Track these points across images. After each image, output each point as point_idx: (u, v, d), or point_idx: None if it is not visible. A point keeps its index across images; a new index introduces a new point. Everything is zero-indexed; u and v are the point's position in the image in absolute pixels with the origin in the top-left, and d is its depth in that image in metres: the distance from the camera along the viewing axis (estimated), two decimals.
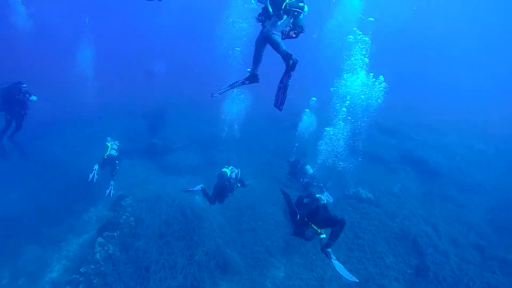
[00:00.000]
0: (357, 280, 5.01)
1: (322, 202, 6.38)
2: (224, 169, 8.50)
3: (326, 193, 7.66)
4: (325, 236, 5.31)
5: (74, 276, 7.13)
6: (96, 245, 8.00)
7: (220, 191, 8.05)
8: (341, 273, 5.07)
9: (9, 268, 8.39)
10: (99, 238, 8.27)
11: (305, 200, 6.15)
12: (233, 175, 8.48)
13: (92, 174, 10.05)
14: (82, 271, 7.22)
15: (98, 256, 7.70)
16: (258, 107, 21.55)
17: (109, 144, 10.79)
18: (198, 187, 8.55)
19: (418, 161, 13.50)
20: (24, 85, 8.99)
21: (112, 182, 10.38)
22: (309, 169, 9.67)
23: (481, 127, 21.75)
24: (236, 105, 15.78)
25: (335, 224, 5.05)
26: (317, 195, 6.76)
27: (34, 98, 9.10)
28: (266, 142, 15.80)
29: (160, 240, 8.68)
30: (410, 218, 9.65)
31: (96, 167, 10.26)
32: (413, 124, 19.32)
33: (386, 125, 18.07)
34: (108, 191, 10.26)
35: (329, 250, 5.13)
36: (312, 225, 5.23)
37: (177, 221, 9.33)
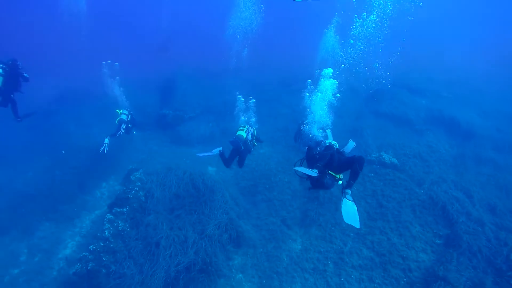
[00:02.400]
0: (358, 227, 4.43)
1: (335, 147, 5.86)
2: (239, 132, 8.21)
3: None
4: (341, 183, 4.95)
5: (83, 254, 6.97)
6: (105, 222, 7.79)
7: (236, 153, 8.07)
8: (344, 215, 4.50)
9: (27, 245, 8.45)
10: (108, 214, 8.05)
11: (317, 151, 5.57)
12: (249, 136, 8.27)
13: (103, 147, 9.90)
14: (91, 249, 7.05)
15: (107, 233, 7.50)
16: (269, 73, 20.59)
17: (119, 111, 10.84)
18: (216, 150, 8.29)
19: (449, 121, 12.19)
20: (19, 62, 8.60)
21: (106, 140, 10.04)
22: (314, 131, 8.87)
23: None
24: None
25: (353, 163, 4.61)
26: (327, 141, 6.15)
27: (26, 75, 8.72)
28: (280, 107, 14.93)
29: (170, 215, 8.41)
30: (439, 183, 8.77)
31: (106, 140, 10.08)
32: (444, 80, 17.50)
33: (414, 83, 16.55)
34: (102, 148, 9.91)
35: (348, 190, 4.65)
36: (330, 171, 4.87)
37: (188, 194, 9.00)
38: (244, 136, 8.24)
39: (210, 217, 8.14)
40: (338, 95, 9.09)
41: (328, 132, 8.07)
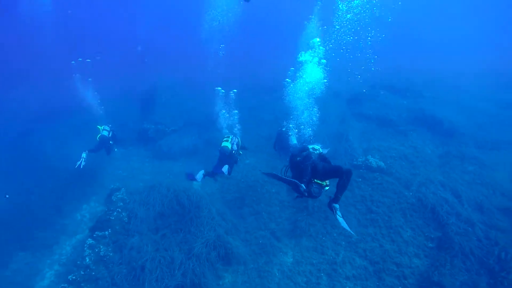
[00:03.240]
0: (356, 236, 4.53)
1: (316, 152, 5.83)
2: (224, 143, 8.06)
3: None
4: (328, 189, 4.94)
5: (62, 285, 6.53)
6: (85, 248, 7.37)
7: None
8: (344, 226, 4.68)
9: None
10: (89, 239, 7.64)
11: (298, 159, 5.44)
12: (235, 147, 8.18)
13: (80, 162, 9.75)
14: (71, 279, 6.62)
15: (87, 260, 7.09)
16: (251, 80, 20.41)
17: (100, 127, 10.62)
18: (200, 174, 8.08)
19: (431, 120, 12.22)
20: None
21: (83, 154, 9.95)
22: (293, 140, 8.74)
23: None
24: None
25: (341, 175, 4.49)
26: (309, 146, 6.05)
27: None
28: (264, 114, 14.72)
29: (155, 235, 8.07)
30: (427, 185, 8.71)
31: (84, 155, 9.94)
32: (425, 81, 17.69)
33: (395, 84, 16.67)
34: (78, 162, 9.78)
35: (337, 205, 4.55)
36: (315, 180, 4.80)
37: (173, 211, 8.69)
38: (229, 147, 8.11)
39: (197, 235, 7.84)
40: (324, 61, 8.79)
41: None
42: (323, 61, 8.59)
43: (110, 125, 10.96)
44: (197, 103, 16.45)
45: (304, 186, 4.63)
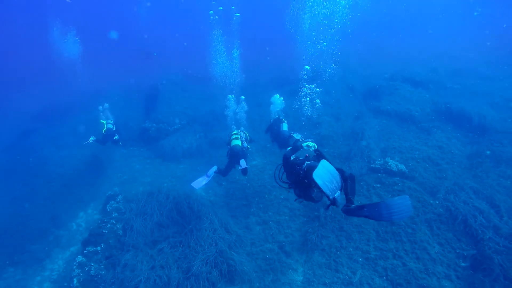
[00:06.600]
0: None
1: (311, 149, 5.19)
2: (234, 141, 7.86)
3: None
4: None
5: None
6: (74, 267, 6.72)
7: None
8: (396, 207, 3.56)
9: None
10: (78, 256, 6.99)
11: (292, 158, 4.98)
12: (245, 144, 7.97)
13: (87, 142, 9.99)
14: None
15: (75, 281, 6.44)
16: (260, 74, 19.43)
17: (104, 122, 10.56)
18: (212, 171, 7.98)
19: (458, 115, 10.96)
20: None
21: (91, 138, 10.16)
22: (285, 126, 8.52)
23: None
24: None
25: (345, 181, 4.03)
26: (304, 144, 5.33)
27: None
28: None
29: (152, 249, 7.37)
30: (456, 192, 7.65)
31: (92, 138, 10.06)
32: (448, 71, 16.20)
33: (415, 75, 15.28)
34: (85, 142, 10.10)
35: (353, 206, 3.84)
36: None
37: (172, 221, 8.00)
38: (240, 145, 7.81)
39: (196, 251, 7.09)
40: None
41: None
42: None
43: (113, 119, 10.91)
44: (203, 99, 15.67)
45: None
